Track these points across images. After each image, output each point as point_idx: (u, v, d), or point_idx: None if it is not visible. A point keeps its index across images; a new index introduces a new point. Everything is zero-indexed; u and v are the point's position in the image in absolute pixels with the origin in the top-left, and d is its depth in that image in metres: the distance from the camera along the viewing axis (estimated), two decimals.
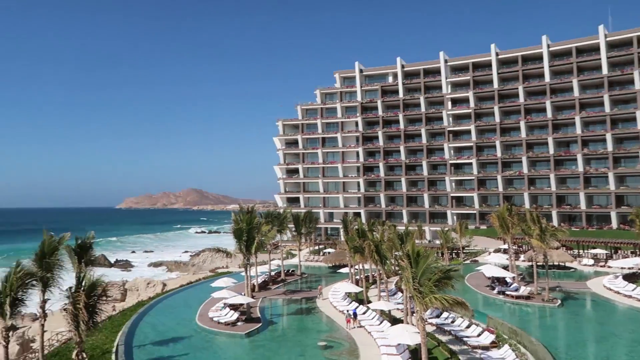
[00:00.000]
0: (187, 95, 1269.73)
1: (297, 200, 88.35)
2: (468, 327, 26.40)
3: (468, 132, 78.98)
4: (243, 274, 38.49)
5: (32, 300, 20.52)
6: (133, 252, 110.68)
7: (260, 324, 29.91)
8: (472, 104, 78.81)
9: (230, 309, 31.85)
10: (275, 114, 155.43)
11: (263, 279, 45.37)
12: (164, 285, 50.81)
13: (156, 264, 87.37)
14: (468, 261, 56.51)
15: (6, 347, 18.87)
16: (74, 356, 17.94)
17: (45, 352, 22.29)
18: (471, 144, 78.04)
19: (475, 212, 75.83)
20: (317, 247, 70.78)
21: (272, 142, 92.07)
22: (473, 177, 77.06)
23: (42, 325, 21.96)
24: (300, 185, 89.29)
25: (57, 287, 21.15)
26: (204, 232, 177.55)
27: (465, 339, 24.60)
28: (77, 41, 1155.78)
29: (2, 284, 18.43)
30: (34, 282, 20.01)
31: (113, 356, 24.22)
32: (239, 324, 29.66)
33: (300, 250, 55.65)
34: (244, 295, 33.86)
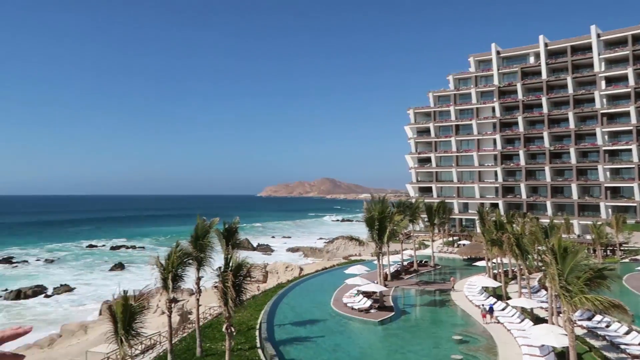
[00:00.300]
0: (326, 87, 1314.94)
1: (429, 190, 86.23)
2: (627, 333, 23.59)
3: (626, 114, 69.55)
4: (375, 262, 38.92)
5: (189, 277, 23.12)
6: (273, 237, 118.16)
7: (393, 313, 30.04)
8: (631, 81, 69.18)
9: (364, 296, 32.46)
10: (407, 103, 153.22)
11: (395, 269, 45.38)
12: (301, 269, 53.54)
13: (293, 249, 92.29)
14: (627, 260, 50.28)
15: (169, 317, 21.53)
16: (224, 329, 19.81)
17: (201, 323, 24.98)
18: (630, 128, 68.65)
19: (635, 204, 66.91)
20: (451, 239, 68.65)
21: (403, 131, 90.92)
22: (633, 166, 67.83)
23: (198, 299, 24.63)
24: (433, 174, 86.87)
25: (209, 266, 23.51)
26: (338, 220, 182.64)
27: (623, 346, 22.01)
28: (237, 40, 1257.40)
29: (166, 262, 21.03)
30: (190, 261, 22.51)
31: (257, 332, 26.32)
32: (372, 311, 30.13)
33: (433, 241, 54.50)
34: (377, 283, 34.27)
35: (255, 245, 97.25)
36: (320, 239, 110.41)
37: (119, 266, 63.10)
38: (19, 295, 46.31)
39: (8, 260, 65.94)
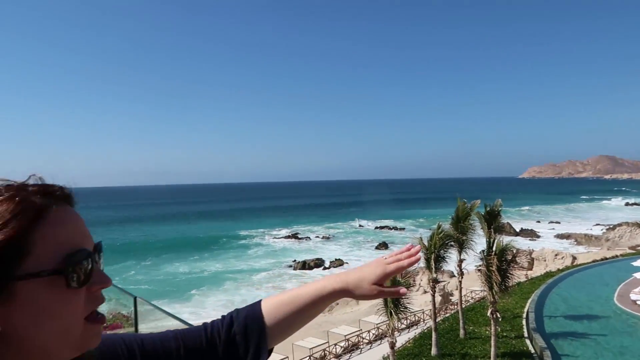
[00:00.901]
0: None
1: None
2: None
3: None
4: None
5: (451, 259, 23.26)
6: (538, 221, 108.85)
7: None
8: None
9: None
10: None
11: None
12: (574, 258, 47.99)
13: (563, 236, 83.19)
14: None
15: (433, 296, 22.15)
16: (488, 314, 19.34)
17: (463, 306, 24.94)
18: None
19: None
20: None
21: None
22: None
23: (460, 282, 24.64)
24: None
25: (470, 249, 23.19)
26: (622, 205, 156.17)
27: None
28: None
29: (428, 242, 21.64)
30: (452, 243, 22.62)
31: (523, 321, 24.81)
32: None
33: None
34: None
35: (517, 229, 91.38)
36: (597, 225, 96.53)
37: (383, 245, 67.78)
38: (304, 266, 54.31)
39: (295, 236, 77.88)
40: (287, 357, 20.28)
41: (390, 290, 1.08)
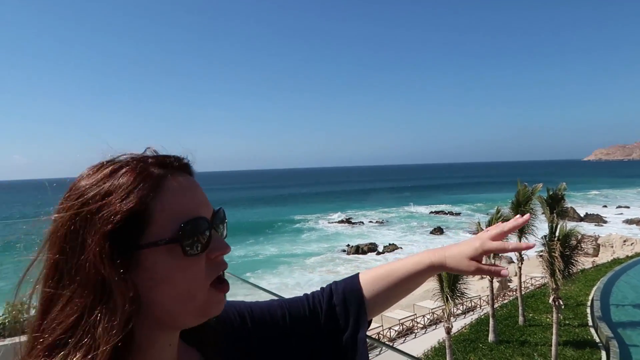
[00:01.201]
0: None
1: None
2: None
3: None
4: None
5: None
6: (605, 206, 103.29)
7: None
8: None
9: None
10: None
11: None
12: None
13: (632, 221, 78.45)
14: None
15: (491, 282, 21.64)
16: (550, 301, 18.66)
17: (522, 292, 24.19)
18: None
19: None
20: None
21: None
22: None
23: (520, 268, 23.89)
24: None
25: (531, 234, 22.38)
26: None
27: None
28: None
29: (486, 227, 21.07)
30: None
31: (588, 309, 23.80)
32: None
33: None
34: None
35: (582, 214, 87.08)
36: None
37: (438, 230, 66.71)
38: (357, 250, 54.43)
39: (348, 221, 78.09)
40: None
41: (489, 268, 0.99)
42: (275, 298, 1.05)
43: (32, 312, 0.67)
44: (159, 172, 0.69)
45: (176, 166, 0.72)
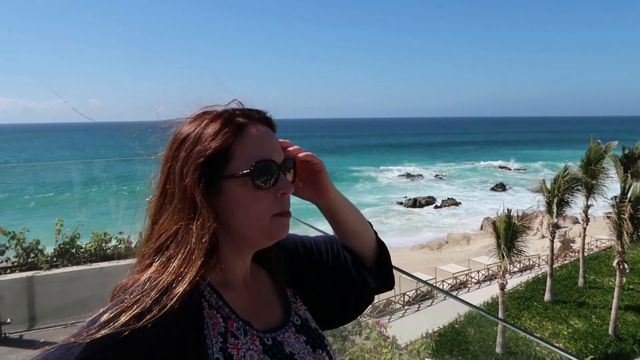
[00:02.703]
0: None
1: None
2: None
3: None
4: None
5: (576, 204, 21.61)
6: None
7: None
8: None
9: None
10: None
11: None
12: None
13: None
14: None
15: (552, 241, 21.01)
16: (614, 264, 17.96)
17: (585, 254, 23.37)
18: None
19: None
20: None
21: None
22: None
23: (584, 228, 22.95)
24: None
25: (600, 194, 21.31)
26: None
27: None
28: None
29: (551, 185, 20.26)
30: (579, 187, 20.91)
31: None
32: None
33: None
34: None
35: None
36: None
37: (500, 186, 64.72)
38: (415, 203, 54.06)
39: (408, 174, 77.30)
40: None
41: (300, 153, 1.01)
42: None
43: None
44: (242, 121, 0.88)
45: (257, 117, 0.91)
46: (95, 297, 3.76)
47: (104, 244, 4.32)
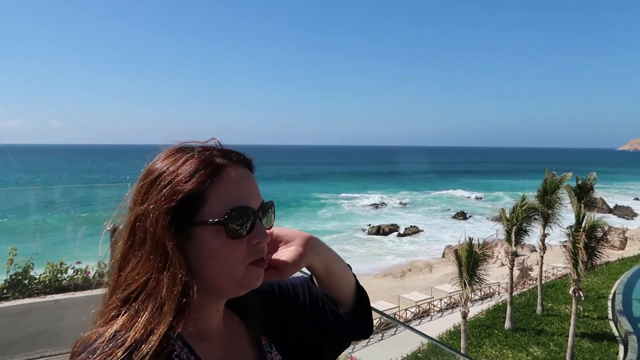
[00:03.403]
0: None
1: None
2: None
3: None
4: None
5: (534, 233, 22.26)
6: (636, 199, 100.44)
7: None
8: None
9: None
10: None
11: None
12: None
13: None
14: None
15: (511, 269, 21.49)
16: (570, 291, 18.46)
17: (542, 281, 23.97)
18: None
19: None
20: None
21: None
22: None
23: (542, 257, 23.61)
24: None
25: (556, 223, 22.03)
26: None
27: None
28: None
29: (510, 214, 20.85)
30: (536, 216, 21.59)
31: (609, 302, 23.47)
32: None
33: None
34: None
35: (611, 206, 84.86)
36: None
37: (461, 214, 66.09)
38: (378, 230, 54.48)
39: (371, 201, 78.03)
40: None
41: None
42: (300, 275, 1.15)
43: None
44: (220, 162, 0.82)
45: (235, 159, 0.85)
46: (49, 331, 3.58)
47: (59, 275, 4.13)
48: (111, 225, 0.85)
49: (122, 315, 0.75)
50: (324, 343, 1.05)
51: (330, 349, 1.07)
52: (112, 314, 0.77)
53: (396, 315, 22.56)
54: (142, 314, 0.74)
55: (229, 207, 0.79)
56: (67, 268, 4.15)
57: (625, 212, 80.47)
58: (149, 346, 0.71)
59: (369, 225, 57.06)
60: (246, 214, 0.81)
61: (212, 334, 0.88)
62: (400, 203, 77.50)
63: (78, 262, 4.21)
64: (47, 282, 4.05)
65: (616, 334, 20.15)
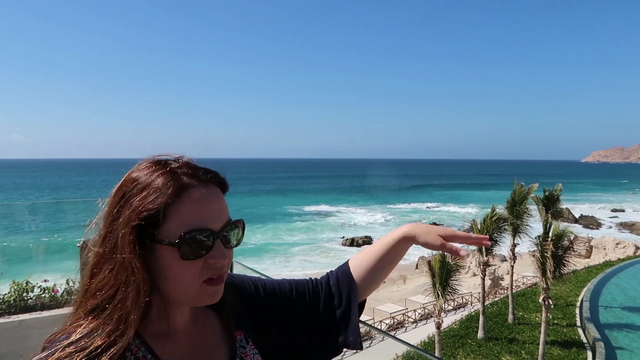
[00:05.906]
0: None
1: None
2: None
3: None
4: None
5: (504, 243, 22.69)
6: (600, 208, 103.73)
7: None
8: None
9: None
10: None
11: None
12: (637, 248, 45.51)
13: (627, 225, 78.78)
14: None
15: (483, 279, 21.81)
16: (540, 300, 18.85)
17: (513, 291, 24.40)
18: None
19: None
20: None
21: None
22: None
23: (512, 266, 24.06)
24: None
25: (525, 233, 22.53)
26: None
27: None
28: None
29: (481, 225, 21.22)
30: (506, 227, 22.04)
31: (577, 310, 24.03)
32: None
33: None
34: None
35: (577, 216, 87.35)
36: None
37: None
38: (352, 242, 54.72)
39: (344, 214, 78.33)
40: None
41: (451, 247, 1.12)
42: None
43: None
44: (186, 181, 0.82)
45: (203, 178, 0.84)
46: (13, 353, 3.45)
47: (25, 294, 4.00)
48: (81, 242, 0.88)
49: (90, 323, 0.78)
50: (310, 342, 1.08)
51: (317, 352, 1.09)
52: (81, 316, 0.81)
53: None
54: (108, 322, 0.77)
55: (184, 230, 0.79)
56: (33, 287, 4.05)
57: (590, 222, 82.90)
58: (110, 355, 0.75)
59: (343, 237, 57.22)
60: (202, 236, 0.81)
61: (178, 332, 0.90)
62: (374, 216, 78.07)
63: (45, 280, 4.09)
64: (12, 301, 3.92)
65: (584, 340, 20.61)
